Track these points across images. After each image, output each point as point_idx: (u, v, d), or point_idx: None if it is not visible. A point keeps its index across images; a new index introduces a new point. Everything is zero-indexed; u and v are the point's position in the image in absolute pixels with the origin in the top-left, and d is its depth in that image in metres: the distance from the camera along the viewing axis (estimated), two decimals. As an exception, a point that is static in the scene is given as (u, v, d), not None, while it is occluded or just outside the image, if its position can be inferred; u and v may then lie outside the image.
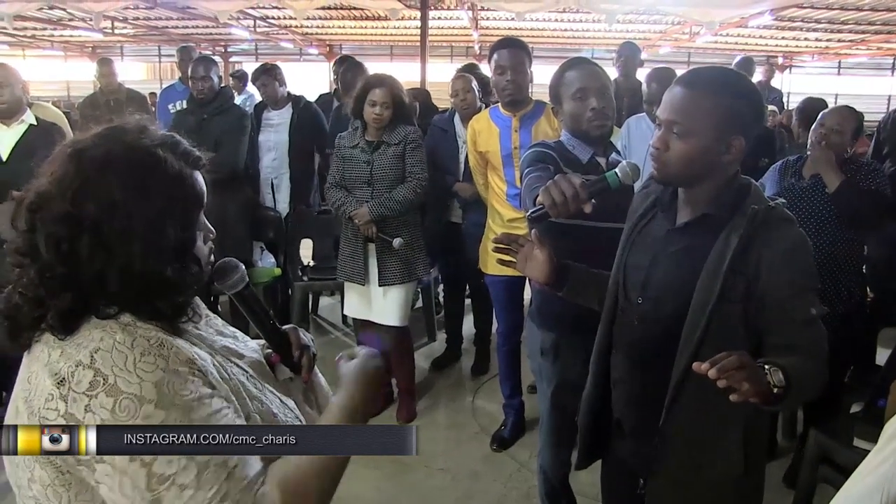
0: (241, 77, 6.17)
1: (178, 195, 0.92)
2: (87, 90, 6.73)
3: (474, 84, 3.41)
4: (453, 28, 13.06)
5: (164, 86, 5.98)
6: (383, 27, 13.23)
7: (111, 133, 0.93)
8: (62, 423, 0.81)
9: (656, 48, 13.53)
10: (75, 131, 2.45)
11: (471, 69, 4.05)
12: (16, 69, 2.99)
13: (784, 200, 1.39)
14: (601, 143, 2.03)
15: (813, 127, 2.60)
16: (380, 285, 2.99)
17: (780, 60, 15.07)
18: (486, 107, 3.21)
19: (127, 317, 0.89)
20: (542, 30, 13.06)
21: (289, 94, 4.10)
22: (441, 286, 4.22)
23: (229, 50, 16.70)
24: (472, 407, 3.43)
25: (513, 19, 10.82)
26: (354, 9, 11.19)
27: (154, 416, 0.81)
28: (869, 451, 1.01)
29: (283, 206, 4.08)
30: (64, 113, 4.53)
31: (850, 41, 12.66)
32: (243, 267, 1.10)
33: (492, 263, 2.51)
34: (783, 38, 12.88)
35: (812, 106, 3.57)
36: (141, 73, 17.63)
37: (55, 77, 17.36)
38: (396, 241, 2.88)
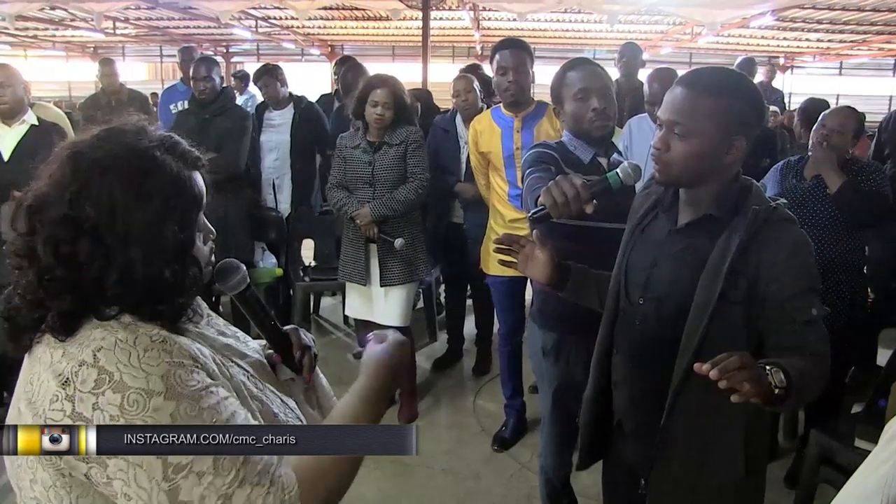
0: (242, 77, 6.16)
1: (177, 196, 0.92)
2: (89, 90, 6.73)
3: (476, 84, 3.41)
4: (455, 28, 13.09)
5: (165, 86, 5.98)
6: (385, 27, 13.25)
7: (109, 135, 0.92)
8: (69, 423, 0.80)
9: (658, 49, 13.54)
10: (76, 132, 2.45)
11: (474, 69, 4.05)
12: (17, 69, 3.00)
13: (785, 201, 1.39)
14: (603, 143, 2.03)
15: (814, 128, 2.60)
16: (381, 286, 2.99)
17: (781, 61, 15.09)
18: (488, 107, 3.20)
19: (127, 317, 0.89)
20: (544, 30, 13.08)
21: (290, 94, 4.09)
22: (442, 287, 4.21)
23: (231, 50, 16.74)
24: (474, 407, 3.43)
25: (515, 20, 10.84)
26: (356, 9, 11.22)
27: (164, 407, 0.81)
28: (870, 452, 1.01)
29: (285, 206, 4.07)
30: (65, 113, 4.55)
31: (852, 42, 12.66)
32: (244, 267, 1.10)
33: (493, 264, 2.51)
34: (785, 38, 12.90)
35: (814, 106, 3.55)
36: (143, 73, 17.66)
37: (57, 77, 17.40)
38: (398, 242, 2.88)
